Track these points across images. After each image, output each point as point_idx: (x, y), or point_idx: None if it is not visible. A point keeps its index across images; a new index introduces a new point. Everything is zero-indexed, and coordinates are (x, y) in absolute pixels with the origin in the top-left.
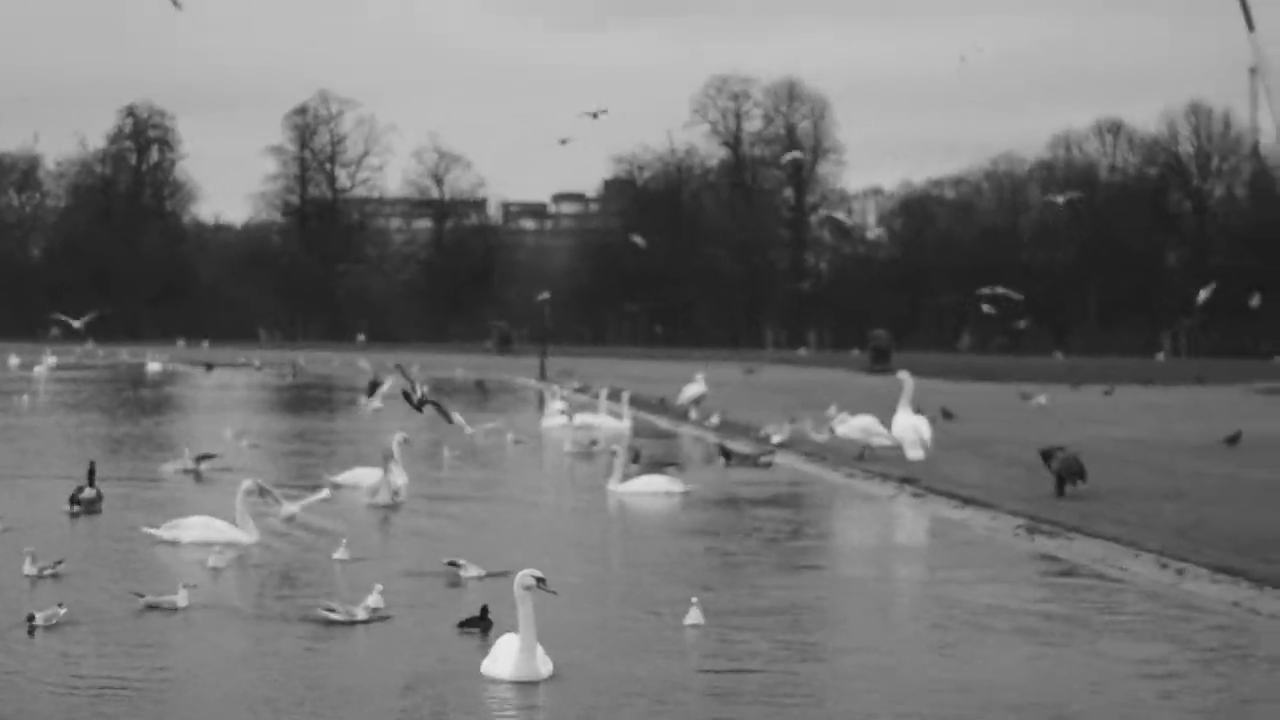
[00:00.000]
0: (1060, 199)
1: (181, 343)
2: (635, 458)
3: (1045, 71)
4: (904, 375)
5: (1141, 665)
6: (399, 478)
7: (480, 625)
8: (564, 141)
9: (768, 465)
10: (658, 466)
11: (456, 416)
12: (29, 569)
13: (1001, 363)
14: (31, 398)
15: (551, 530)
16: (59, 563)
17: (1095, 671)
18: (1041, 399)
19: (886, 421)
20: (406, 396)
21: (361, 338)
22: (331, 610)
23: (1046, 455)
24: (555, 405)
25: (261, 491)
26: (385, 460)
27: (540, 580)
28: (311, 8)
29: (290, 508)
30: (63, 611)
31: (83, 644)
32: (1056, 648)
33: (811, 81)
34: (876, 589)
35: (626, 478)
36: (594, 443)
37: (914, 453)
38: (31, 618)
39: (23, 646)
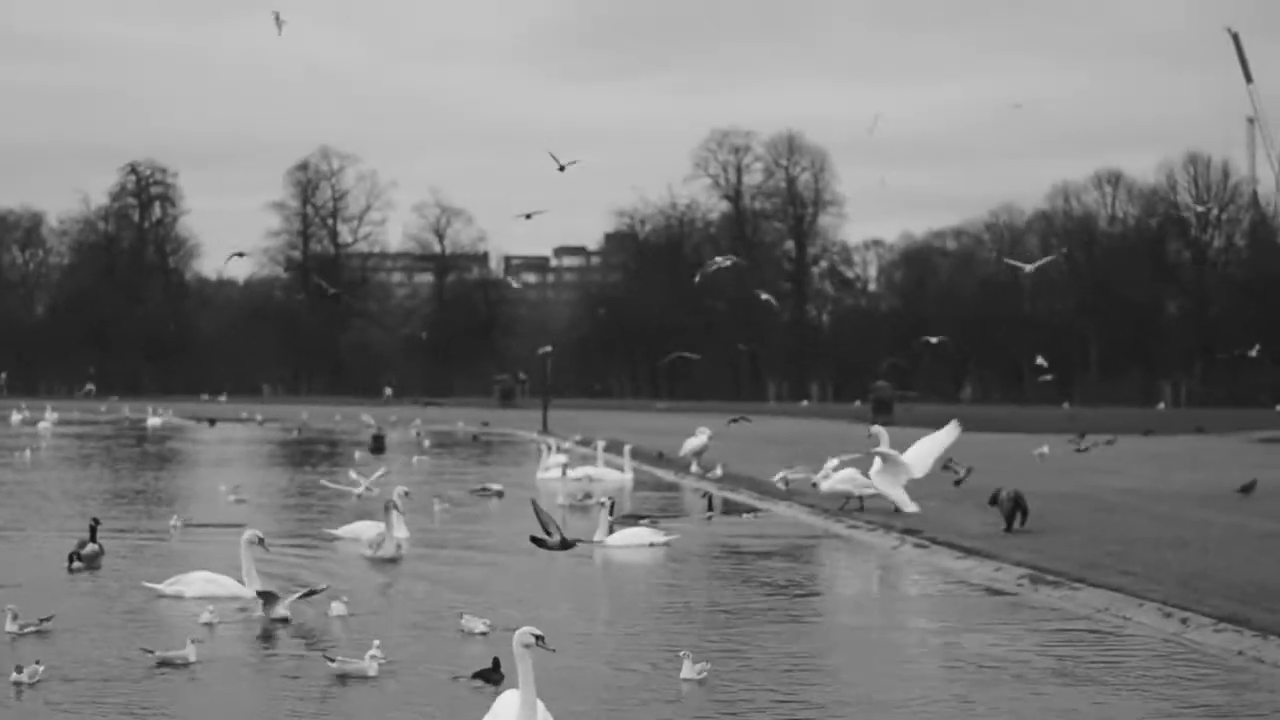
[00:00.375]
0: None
1: (205, 396)
2: (610, 509)
3: (1044, 122)
4: (878, 430)
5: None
6: (400, 530)
7: (492, 678)
8: (529, 216)
9: (754, 518)
10: (632, 519)
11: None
12: (10, 626)
13: (1004, 413)
14: (34, 453)
15: (547, 583)
16: (45, 620)
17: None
18: (1044, 449)
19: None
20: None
21: (389, 391)
22: (332, 660)
23: (994, 499)
24: (554, 458)
25: (262, 542)
26: (387, 513)
27: (539, 638)
28: (312, 64)
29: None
30: (41, 669)
31: (95, 703)
32: (1060, 698)
33: (812, 134)
34: (879, 640)
35: (611, 530)
36: (588, 495)
37: (910, 506)
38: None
39: (8, 707)
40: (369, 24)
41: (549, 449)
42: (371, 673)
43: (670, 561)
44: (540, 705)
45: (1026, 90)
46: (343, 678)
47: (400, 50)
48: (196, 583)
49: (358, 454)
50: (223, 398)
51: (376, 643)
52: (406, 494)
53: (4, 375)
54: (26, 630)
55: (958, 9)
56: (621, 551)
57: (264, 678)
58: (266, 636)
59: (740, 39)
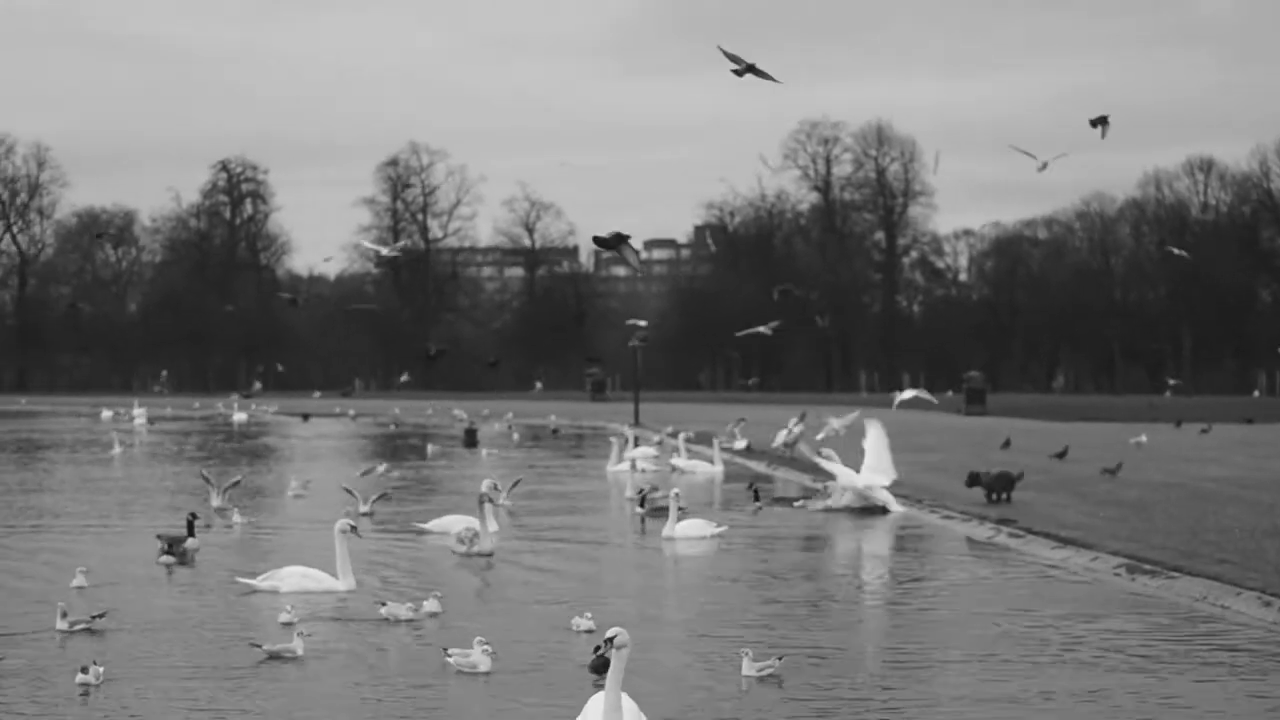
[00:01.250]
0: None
1: (317, 394)
2: (641, 501)
3: (1133, 110)
4: (828, 451)
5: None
6: (492, 524)
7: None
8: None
9: (801, 507)
10: (664, 510)
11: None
12: (60, 624)
13: (1099, 402)
14: (127, 449)
15: (639, 577)
16: (97, 616)
17: (1216, 707)
18: (1142, 438)
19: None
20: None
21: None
22: (450, 655)
23: (973, 480)
24: (636, 450)
25: (354, 529)
26: (481, 506)
27: (609, 641)
28: (398, 61)
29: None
30: (101, 671)
31: (214, 698)
32: (1165, 686)
33: (901, 124)
34: (978, 630)
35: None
36: (654, 488)
37: (896, 507)
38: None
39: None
40: (454, 20)
41: (626, 441)
42: (484, 668)
43: (759, 550)
44: (632, 706)
45: (1112, 77)
46: (458, 672)
47: (485, 46)
48: (292, 577)
49: (430, 448)
50: (317, 394)
51: (480, 638)
52: (495, 487)
53: (165, 374)
54: (77, 628)
55: None
56: (686, 544)
57: (373, 672)
58: (366, 631)
59: (823, 30)
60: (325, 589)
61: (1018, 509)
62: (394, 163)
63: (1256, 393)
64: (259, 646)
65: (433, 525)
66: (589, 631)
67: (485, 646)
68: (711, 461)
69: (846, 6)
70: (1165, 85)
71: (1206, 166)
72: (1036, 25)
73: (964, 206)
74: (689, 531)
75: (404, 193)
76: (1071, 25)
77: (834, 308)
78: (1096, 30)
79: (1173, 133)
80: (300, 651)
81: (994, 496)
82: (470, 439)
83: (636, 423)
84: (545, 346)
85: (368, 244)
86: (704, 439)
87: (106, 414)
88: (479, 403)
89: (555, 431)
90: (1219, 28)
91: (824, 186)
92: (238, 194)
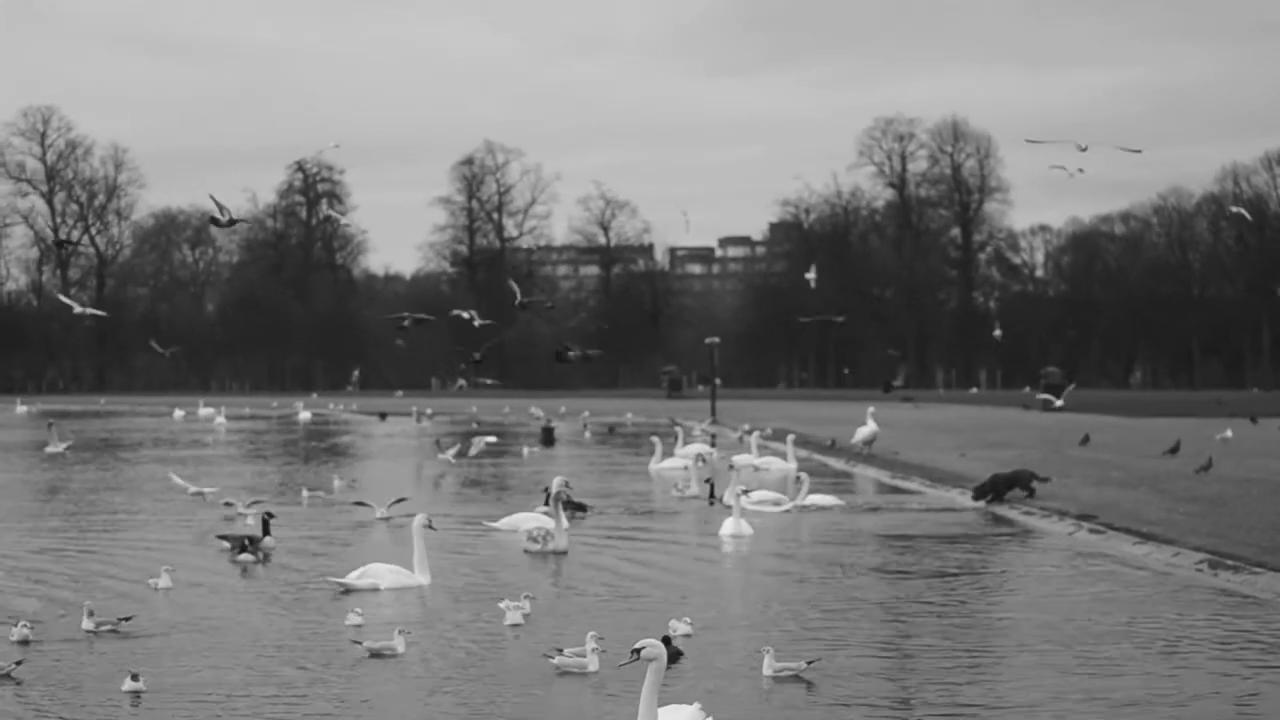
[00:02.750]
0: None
1: (400, 393)
2: (711, 491)
3: (1211, 104)
4: (754, 436)
5: None
6: (564, 522)
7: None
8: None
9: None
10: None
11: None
12: (86, 623)
13: (1173, 397)
14: (203, 448)
15: (718, 576)
16: (124, 619)
17: None
18: (1228, 433)
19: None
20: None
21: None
22: (555, 655)
23: (980, 491)
24: (690, 447)
25: (430, 524)
26: (555, 504)
27: (635, 652)
28: (471, 60)
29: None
30: (140, 684)
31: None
32: (1249, 682)
33: (976, 120)
34: (1062, 632)
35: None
36: (687, 485)
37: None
38: (135, 676)
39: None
40: (524, 19)
41: (677, 439)
42: (592, 668)
43: (837, 546)
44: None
45: (1188, 73)
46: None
47: (557, 44)
48: (377, 575)
49: (449, 451)
50: (399, 393)
51: (593, 633)
52: (567, 484)
53: (357, 373)
54: (103, 629)
55: None
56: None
57: (475, 671)
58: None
59: (895, 26)
60: (405, 585)
61: (1099, 506)
62: (469, 161)
63: None
64: (359, 644)
65: (502, 524)
66: (686, 636)
67: (595, 645)
68: (785, 458)
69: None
70: (1240, 79)
71: None
72: (1105, 20)
73: (1040, 202)
74: (743, 529)
75: (479, 191)
76: (1149, 18)
77: (907, 305)
78: (1169, 24)
79: (1251, 126)
80: (401, 650)
81: (988, 498)
82: (547, 437)
83: (715, 419)
84: (621, 345)
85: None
86: (779, 436)
87: (179, 414)
88: (555, 401)
89: (612, 430)
90: None
91: (899, 183)
92: (314, 194)
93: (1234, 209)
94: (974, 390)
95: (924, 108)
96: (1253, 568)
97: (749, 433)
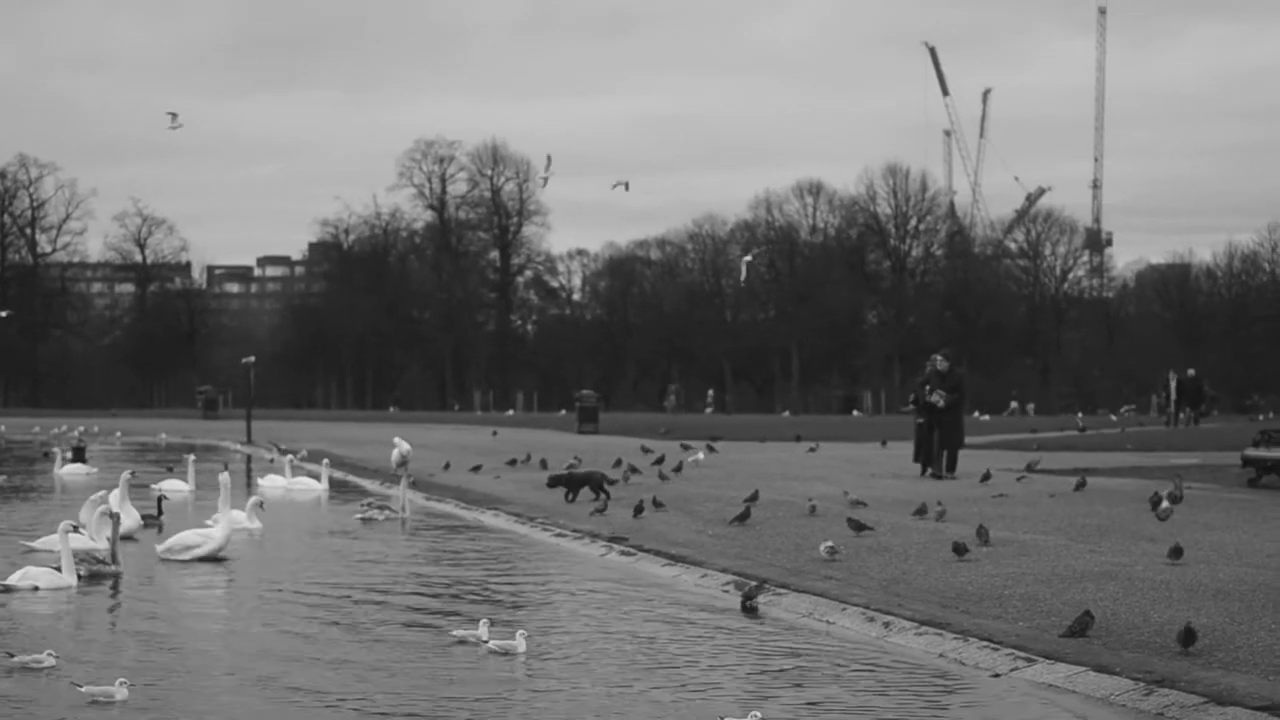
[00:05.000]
0: (749, 257)
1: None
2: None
3: (744, 132)
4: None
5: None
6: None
7: None
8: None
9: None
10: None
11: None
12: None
13: (716, 420)
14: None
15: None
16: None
17: None
18: (699, 455)
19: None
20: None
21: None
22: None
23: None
24: (275, 477)
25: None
26: (64, 536)
27: None
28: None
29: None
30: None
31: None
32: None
33: (517, 144)
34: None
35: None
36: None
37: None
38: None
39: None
40: (19, 32)
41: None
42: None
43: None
44: None
45: (710, 103)
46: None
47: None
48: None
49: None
50: None
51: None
52: (77, 528)
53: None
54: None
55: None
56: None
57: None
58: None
59: (396, 49)
60: None
61: (634, 529)
62: (2, 175)
63: (856, 412)
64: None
65: (39, 544)
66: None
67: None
68: (319, 479)
69: (406, 23)
70: (778, 108)
71: (816, 189)
72: (642, 49)
73: (577, 225)
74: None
75: (11, 206)
76: (643, 50)
77: (446, 328)
78: (670, 57)
79: (781, 157)
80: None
81: (570, 497)
82: (79, 456)
83: (249, 440)
84: (157, 363)
85: None
86: (315, 458)
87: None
88: (90, 420)
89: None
90: (829, 57)
91: (439, 205)
92: None
93: (747, 258)
94: (510, 412)
95: (467, 131)
96: (778, 589)
97: (282, 454)
